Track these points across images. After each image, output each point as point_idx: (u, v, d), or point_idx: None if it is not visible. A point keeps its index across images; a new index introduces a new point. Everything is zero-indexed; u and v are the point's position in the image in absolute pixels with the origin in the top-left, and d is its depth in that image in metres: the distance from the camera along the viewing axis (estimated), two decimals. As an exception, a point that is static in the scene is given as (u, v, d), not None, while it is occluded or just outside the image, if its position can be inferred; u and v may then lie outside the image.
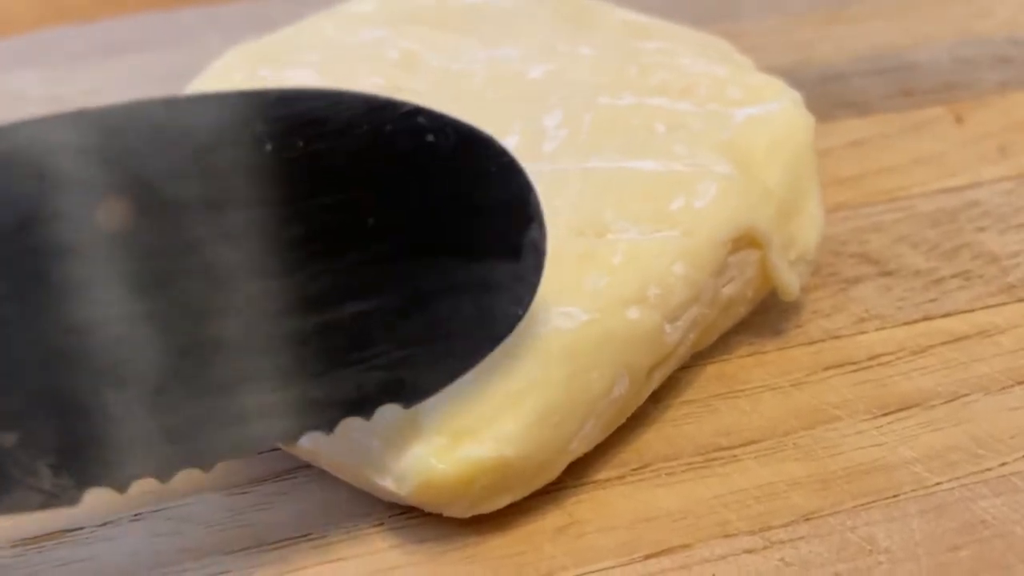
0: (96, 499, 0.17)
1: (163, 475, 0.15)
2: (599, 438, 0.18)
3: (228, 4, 0.31)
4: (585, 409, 0.17)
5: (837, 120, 0.25)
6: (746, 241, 0.19)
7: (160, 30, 0.30)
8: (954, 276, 0.21)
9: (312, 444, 0.17)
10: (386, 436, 0.16)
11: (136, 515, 0.17)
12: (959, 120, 0.26)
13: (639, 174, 0.19)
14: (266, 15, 0.30)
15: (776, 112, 0.20)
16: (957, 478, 0.18)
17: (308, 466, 0.18)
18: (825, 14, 0.29)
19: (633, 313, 0.17)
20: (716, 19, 0.29)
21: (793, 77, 0.23)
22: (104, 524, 0.17)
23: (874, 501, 0.17)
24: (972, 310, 0.21)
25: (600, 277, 0.17)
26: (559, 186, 0.19)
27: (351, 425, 0.16)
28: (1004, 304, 0.21)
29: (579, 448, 0.17)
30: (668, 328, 0.18)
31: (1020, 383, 0.19)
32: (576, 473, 0.18)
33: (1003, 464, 0.18)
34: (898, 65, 0.27)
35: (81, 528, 0.17)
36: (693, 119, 0.20)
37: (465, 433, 0.16)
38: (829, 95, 0.26)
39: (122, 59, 0.29)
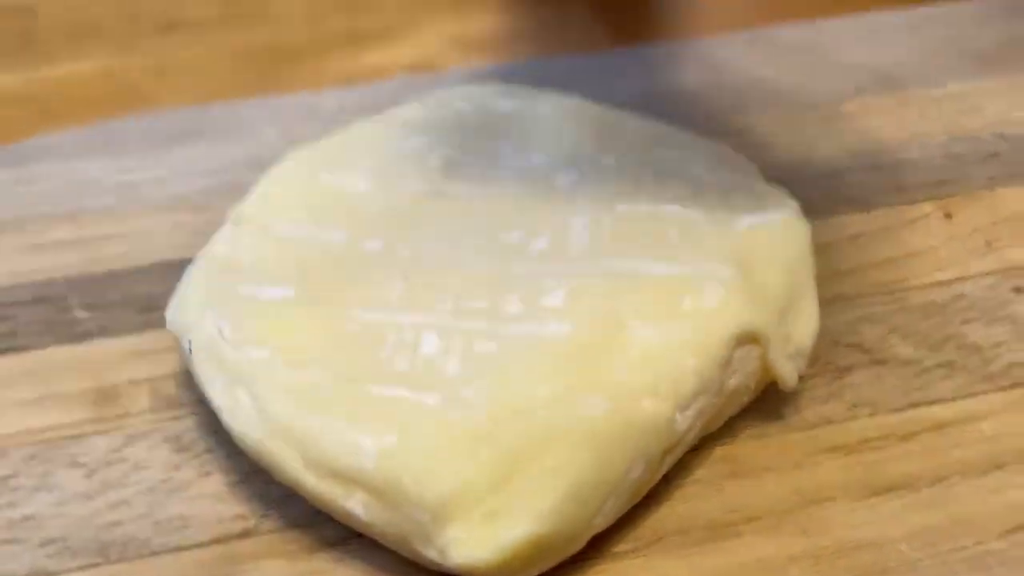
0: (173, 564, 0.20)
1: None
2: (618, 514, 0.20)
3: (281, 97, 0.34)
4: (607, 488, 0.19)
5: (836, 215, 0.28)
6: (748, 338, 0.21)
7: (220, 121, 0.33)
8: (940, 366, 0.24)
9: (367, 515, 0.19)
10: (431, 511, 0.18)
11: (210, 578, 0.20)
12: (948, 216, 0.28)
13: (653, 277, 0.21)
14: (316, 105, 0.33)
15: (777, 221, 0.23)
16: (937, 555, 0.20)
17: (360, 536, 0.20)
18: (825, 112, 0.32)
19: (648, 403, 0.20)
20: (725, 114, 0.32)
21: (795, 173, 0.25)
22: (182, 585, 0.20)
23: None
24: (955, 398, 0.23)
25: (620, 369, 0.20)
26: (585, 286, 0.21)
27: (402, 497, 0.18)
28: (986, 392, 0.23)
29: (601, 523, 0.19)
30: (679, 416, 0.20)
31: (999, 467, 0.21)
32: (598, 546, 0.20)
33: (978, 543, 0.20)
34: (893, 162, 0.29)
35: (162, 588, 0.20)
36: (702, 226, 0.22)
37: (501, 510, 0.18)
38: (828, 191, 0.28)
39: (186, 147, 0.31)
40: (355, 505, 0.19)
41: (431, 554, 0.19)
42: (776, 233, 0.22)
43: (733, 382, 0.21)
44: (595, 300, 0.21)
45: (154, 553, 0.20)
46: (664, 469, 0.20)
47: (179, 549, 0.20)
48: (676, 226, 0.22)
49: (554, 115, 0.26)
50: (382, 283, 0.21)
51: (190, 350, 0.22)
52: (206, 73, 0.38)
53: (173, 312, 0.23)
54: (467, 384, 0.20)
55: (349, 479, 0.19)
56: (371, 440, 0.19)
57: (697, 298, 0.21)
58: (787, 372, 0.22)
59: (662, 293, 0.21)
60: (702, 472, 0.21)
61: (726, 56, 0.35)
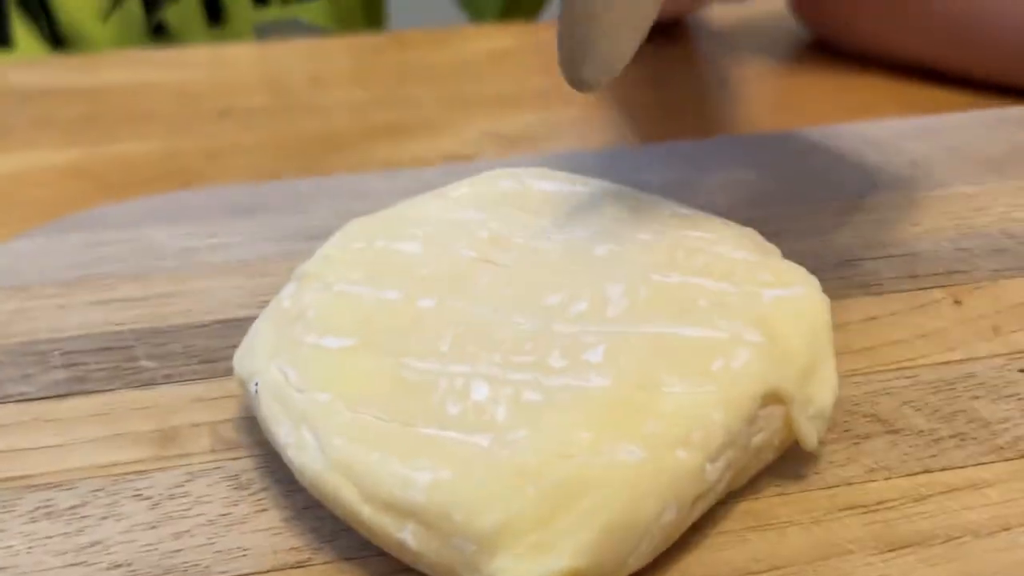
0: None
1: None
2: (650, 558, 0.21)
3: (333, 176, 0.37)
4: (641, 530, 0.20)
5: (852, 299, 0.30)
6: (773, 398, 0.23)
7: (277, 196, 0.35)
8: (951, 437, 0.25)
9: (417, 545, 0.20)
10: (479, 542, 0.20)
11: (267, 602, 0.21)
12: (958, 302, 0.30)
13: (686, 339, 0.23)
14: (366, 186, 0.36)
15: (798, 294, 0.24)
16: (950, 606, 0.21)
17: (408, 570, 0.22)
18: (842, 205, 0.34)
19: (681, 453, 0.21)
20: (748, 206, 0.34)
21: (813, 259, 0.27)
22: (240, 609, 0.21)
23: (880, 622, 0.21)
24: (965, 466, 0.24)
25: (654, 422, 0.21)
26: (622, 346, 0.23)
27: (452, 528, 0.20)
28: (993, 462, 0.24)
29: (634, 564, 0.21)
30: (709, 467, 0.21)
31: (1005, 529, 0.23)
32: (630, 586, 0.21)
33: (989, 596, 0.21)
34: (905, 252, 0.32)
35: (221, 611, 0.21)
36: (730, 297, 0.24)
37: (545, 544, 0.20)
38: (846, 276, 0.31)
39: (245, 218, 0.34)
40: (407, 536, 0.20)
41: (477, 583, 0.20)
42: (798, 304, 0.24)
43: (759, 439, 0.23)
44: (632, 358, 0.22)
45: (214, 579, 0.22)
46: (694, 517, 0.22)
47: (238, 576, 0.22)
48: (706, 296, 0.24)
49: (592, 195, 0.28)
50: (435, 336, 0.23)
51: (256, 392, 0.23)
52: (256, 157, 0.41)
53: (240, 358, 0.25)
54: (514, 429, 0.21)
55: (402, 511, 0.20)
56: (424, 475, 0.20)
57: (726, 359, 0.23)
58: (808, 432, 0.23)
59: (694, 354, 0.23)
60: (728, 524, 0.23)
61: (752, 154, 0.37)
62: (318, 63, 0.49)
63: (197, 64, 0.48)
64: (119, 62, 0.48)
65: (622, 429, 0.21)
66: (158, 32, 0.54)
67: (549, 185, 0.29)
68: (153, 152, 0.41)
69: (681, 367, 0.22)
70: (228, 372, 0.27)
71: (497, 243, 0.26)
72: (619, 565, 0.20)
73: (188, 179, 0.39)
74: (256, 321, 0.26)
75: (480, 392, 0.22)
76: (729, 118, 0.44)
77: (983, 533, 0.22)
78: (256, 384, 0.23)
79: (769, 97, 0.46)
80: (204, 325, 0.29)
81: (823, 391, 0.24)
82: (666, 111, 0.45)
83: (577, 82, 0.25)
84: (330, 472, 0.21)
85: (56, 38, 0.53)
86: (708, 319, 0.23)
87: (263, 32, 0.55)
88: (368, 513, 0.21)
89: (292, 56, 0.49)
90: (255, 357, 0.24)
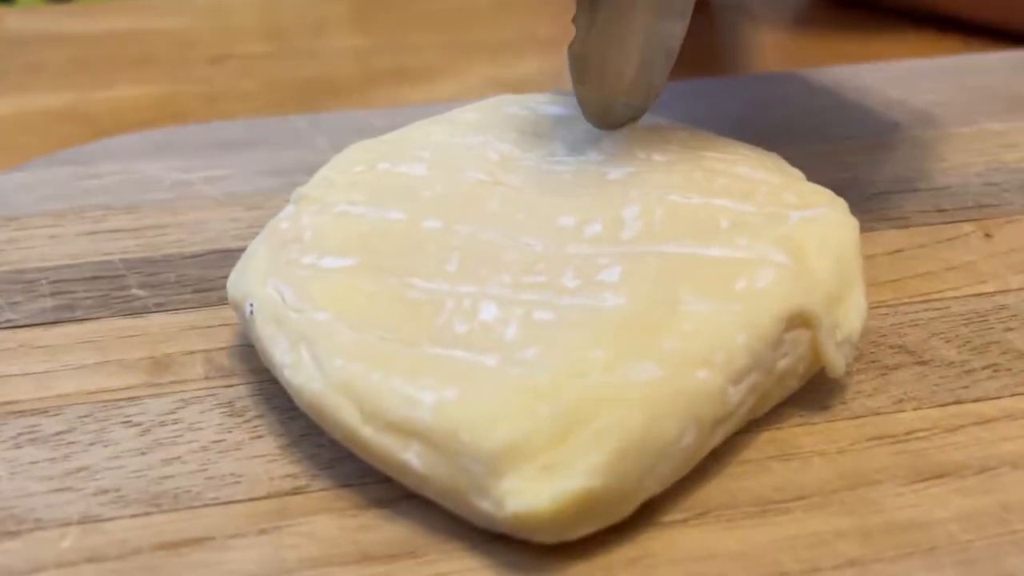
0: (224, 515, 0.20)
1: None
2: (668, 482, 0.20)
3: (333, 112, 0.36)
4: (659, 451, 0.19)
5: (878, 232, 0.28)
6: (799, 321, 0.21)
7: (274, 131, 0.34)
8: (984, 368, 0.24)
9: (422, 468, 0.19)
10: (488, 462, 0.19)
11: (262, 530, 0.20)
12: (988, 235, 0.28)
13: (707, 259, 0.22)
14: (366, 122, 0.34)
15: (826, 215, 0.23)
16: (987, 537, 0.20)
17: (410, 496, 0.20)
18: (866, 142, 0.33)
19: (701, 373, 0.20)
20: (769, 142, 0.33)
21: (838, 193, 0.26)
22: (234, 536, 0.20)
23: (912, 552, 0.19)
24: (1000, 397, 0.23)
25: (674, 340, 0.20)
26: (639, 265, 0.22)
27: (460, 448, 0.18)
28: (1030, 394, 0.23)
29: (651, 487, 0.20)
30: (731, 389, 0.20)
31: (1045, 461, 0.21)
32: (646, 514, 0.20)
33: (1029, 527, 0.20)
34: (933, 187, 0.30)
35: (213, 538, 0.20)
36: (753, 217, 0.23)
37: (557, 464, 0.18)
38: (871, 210, 0.29)
39: (241, 153, 0.33)
40: (411, 457, 0.19)
41: (485, 505, 0.19)
42: (826, 225, 0.23)
43: (783, 364, 0.21)
44: (650, 277, 0.21)
45: (205, 505, 0.20)
46: (714, 442, 0.21)
47: (230, 502, 0.20)
48: (727, 217, 0.23)
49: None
50: (441, 257, 0.22)
51: (252, 313, 0.22)
52: (255, 102, 0.40)
53: (234, 281, 0.23)
54: (524, 347, 0.20)
55: (406, 431, 0.19)
56: (430, 394, 0.19)
57: (750, 279, 0.21)
58: (835, 358, 0.22)
59: (716, 273, 0.21)
60: (750, 453, 0.22)
61: (772, 91, 0.36)
62: (319, 9, 0.47)
63: (196, 10, 0.47)
64: (117, 9, 0.47)
65: (639, 347, 0.20)
66: None
67: (559, 110, 0.27)
68: (148, 96, 0.40)
69: (702, 286, 0.21)
70: (223, 301, 0.25)
71: (507, 165, 0.25)
72: (635, 488, 0.19)
73: (185, 122, 0.38)
74: (251, 244, 0.24)
75: (489, 312, 0.21)
76: (743, 69, 0.43)
77: (1021, 464, 0.21)
78: (251, 305, 0.22)
79: (783, 49, 0.44)
80: (198, 255, 0.28)
81: (851, 316, 0.22)
82: (678, 62, 0.44)
83: (608, 127, 0.26)
84: (329, 392, 0.20)
85: None
86: (730, 239, 0.22)
87: None
88: (369, 434, 0.20)
89: (293, 2, 0.48)
90: (250, 279, 0.23)
